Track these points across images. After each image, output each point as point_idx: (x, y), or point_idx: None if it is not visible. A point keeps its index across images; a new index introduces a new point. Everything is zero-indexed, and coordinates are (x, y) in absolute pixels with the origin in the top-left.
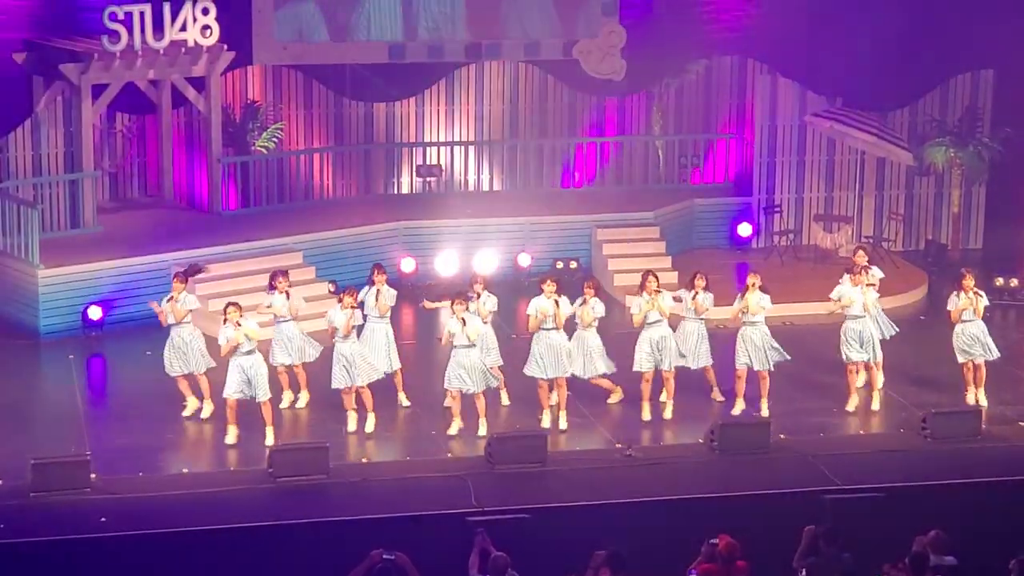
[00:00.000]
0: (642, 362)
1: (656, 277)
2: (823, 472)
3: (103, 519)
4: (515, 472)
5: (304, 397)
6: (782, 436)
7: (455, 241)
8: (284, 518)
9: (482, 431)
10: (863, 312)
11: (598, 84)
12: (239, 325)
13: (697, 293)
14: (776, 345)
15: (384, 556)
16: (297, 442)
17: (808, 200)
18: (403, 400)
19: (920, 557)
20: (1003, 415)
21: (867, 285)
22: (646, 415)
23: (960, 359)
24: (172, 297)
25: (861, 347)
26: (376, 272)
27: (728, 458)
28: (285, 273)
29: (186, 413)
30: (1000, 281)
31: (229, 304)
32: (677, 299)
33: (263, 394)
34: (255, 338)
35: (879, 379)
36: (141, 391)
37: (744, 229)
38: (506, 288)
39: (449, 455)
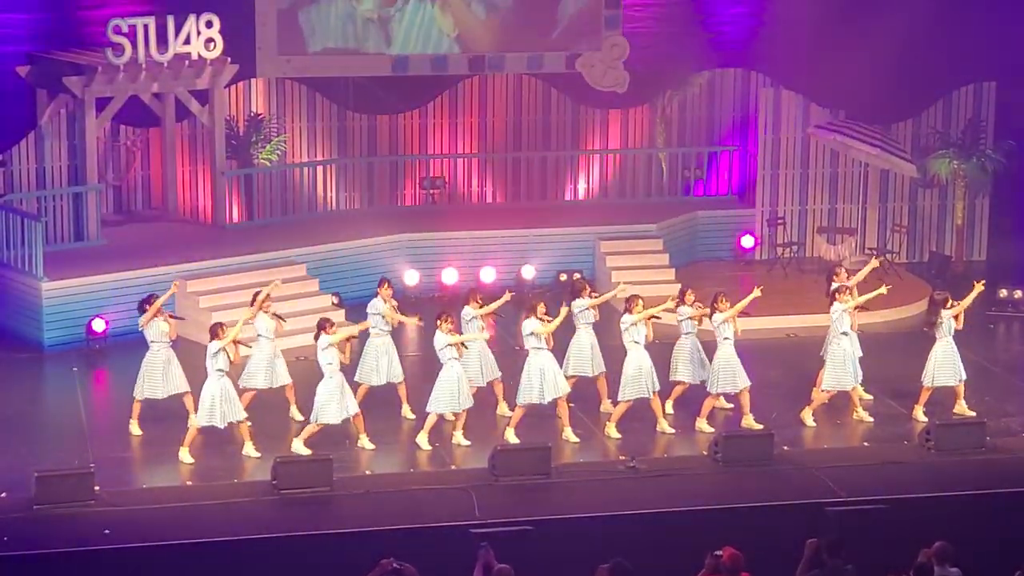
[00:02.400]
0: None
1: (641, 300)
2: (827, 484)
3: (107, 531)
4: (519, 484)
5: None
6: (785, 448)
7: (459, 253)
8: (288, 530)
9: (459, 440)
10: (851, 330)
11: (601, 97)
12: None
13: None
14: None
15: (394, 565)
16: (301, 454)
17: (811, 212)
18: (407, 412)
19: (924, 569)
20: (1007, 427)
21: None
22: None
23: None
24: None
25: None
26: (386, 285)
27: (732, 470)
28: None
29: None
30: (1004, 292)
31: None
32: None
33: (239, 414)
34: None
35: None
36: (145, 403)
37: (747, 241)
38: (512, 302)
39: (453, 467)
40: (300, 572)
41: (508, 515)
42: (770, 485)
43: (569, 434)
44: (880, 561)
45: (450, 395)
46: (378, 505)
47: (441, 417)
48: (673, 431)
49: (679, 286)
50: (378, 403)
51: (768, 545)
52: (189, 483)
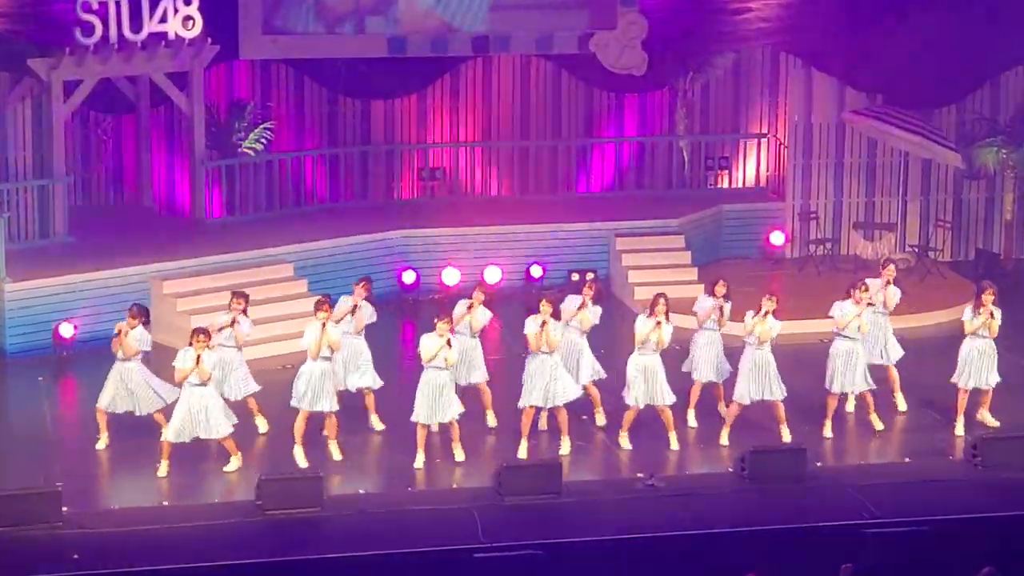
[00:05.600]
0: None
1: (666, 302)
2: (863, 503)
3: (76, 556)
4: (527, 504)
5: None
6: (818, 464)
7: (461, 251)
8: (275, 555)
9: (459, 456)
10: (856, 334)
11: (617, 80)
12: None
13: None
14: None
15: None
16: (288, 472)
17: (847, 206)
18: (375, 423)
19: None
20: None
21: (867, 304)
22: (674, 444)
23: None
24: (121, 330)
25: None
26: (360, 285)
27: (760, 488)
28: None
29: (100, 446)
30: None
31: (199, 331)
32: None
33: (220, 429)
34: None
35: (850, 405)
36: (117, 417)
37: (777, 238)
38: (516, 303)
39: (454, 485)
40: None
41: (515, 538)
42: (802, 505)
43: (565, 444)
44: None
45: (428, 405)
46: (372, 527)
47: (428, 428)
48: (676, 448)
49: (711, 283)
50: (344, 413)
51: (800, 571)
52: (166, 503)
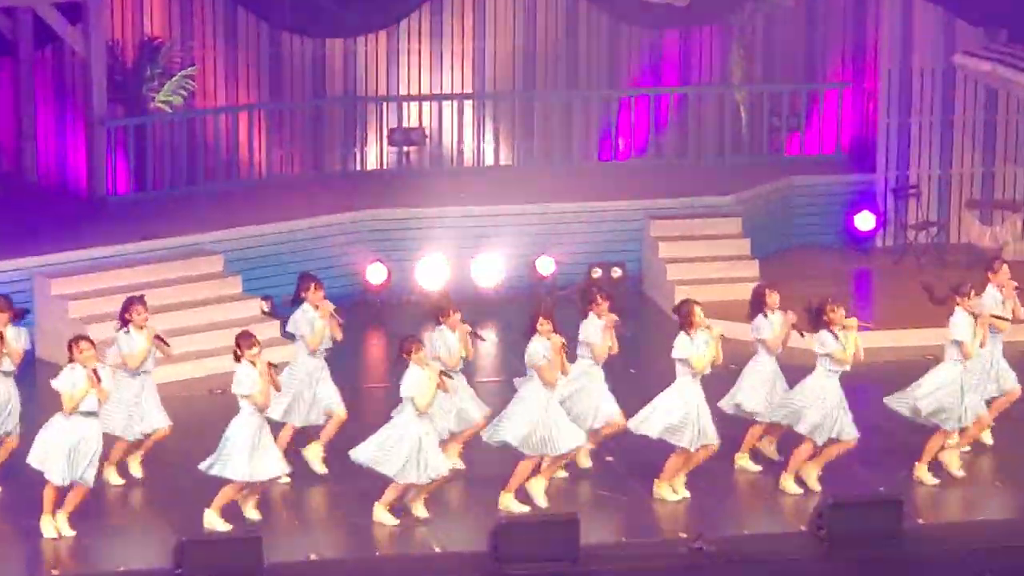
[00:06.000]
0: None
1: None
2: (981, 572)
3: None
4: (534, 574)
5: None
6: (920, 521)
7: (444, 239)
8: None
9: (420, 512)
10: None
11: (652, 14)
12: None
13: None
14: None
15: None
16: (218, 531)
17: (958, 179)
18: (318, 465)
19: None
20: None
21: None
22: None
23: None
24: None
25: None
26: (310, 288)
27: (843, 553)
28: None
29: None
30: None
31: (80, 339)
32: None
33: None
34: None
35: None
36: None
37: (865, 221)
38: (519, 307)
39: (436, 548)
40: None
41: None
42: None
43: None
44: None
45: (404, 460)
46: None
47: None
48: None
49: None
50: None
51: None
52: (55, 572)
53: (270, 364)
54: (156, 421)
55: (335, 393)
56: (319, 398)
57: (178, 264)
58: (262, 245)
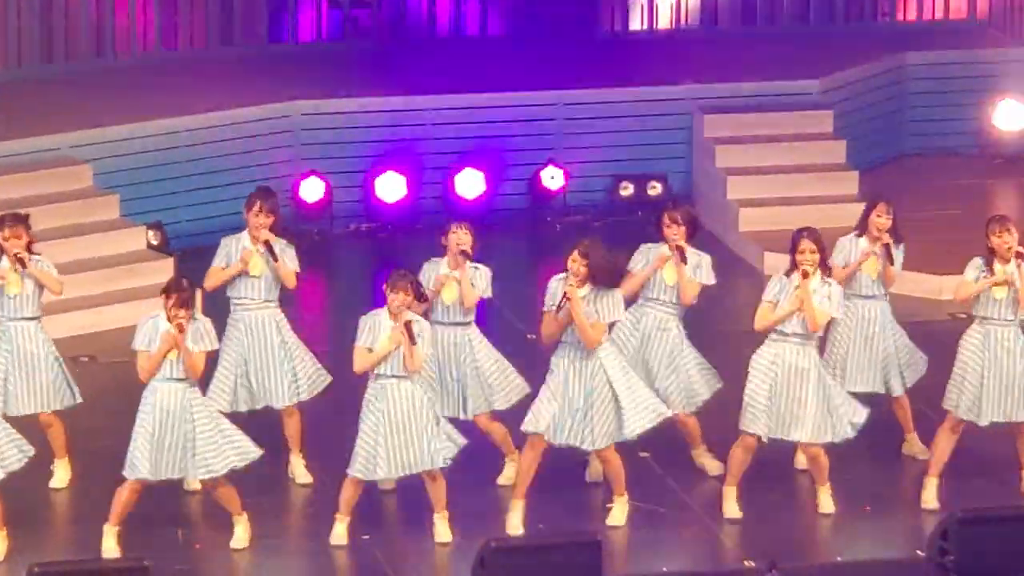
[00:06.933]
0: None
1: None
2: None
3: None
4: None
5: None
6: None
7: (410, 142)
8: None
9: (445, 538)
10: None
11: None
12: None
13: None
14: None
15: None
16: (77, 559)
17: None
18: (300, 473)
19: None
20: None
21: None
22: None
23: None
24: None
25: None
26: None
27: None
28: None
29: None
30: None
31: None
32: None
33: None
34: None
35: None
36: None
37: (1006, 117)
38: (518, 239)
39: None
40: None
41: None
42: None
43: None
44: None
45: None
46: None
47: (362, 484)
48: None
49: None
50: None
51: None
52: None
53: None
54: None
55: None
56: None
57: (33, 174)
58: (149, 150)
